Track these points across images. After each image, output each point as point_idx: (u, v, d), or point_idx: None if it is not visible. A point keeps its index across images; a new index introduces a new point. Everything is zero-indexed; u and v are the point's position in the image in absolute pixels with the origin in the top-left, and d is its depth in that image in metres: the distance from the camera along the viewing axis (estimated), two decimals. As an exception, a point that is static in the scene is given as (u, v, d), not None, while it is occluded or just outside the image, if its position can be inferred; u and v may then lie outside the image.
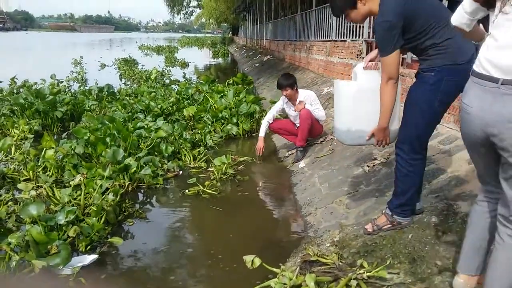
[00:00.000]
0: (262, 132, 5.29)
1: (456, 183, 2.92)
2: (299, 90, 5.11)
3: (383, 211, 2.76)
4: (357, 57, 6.96)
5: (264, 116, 5.54)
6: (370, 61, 2.77)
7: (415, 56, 5.57)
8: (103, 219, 3.30)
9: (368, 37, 6.91)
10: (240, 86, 8.10)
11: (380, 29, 2.35)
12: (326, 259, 2.59)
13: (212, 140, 5.90)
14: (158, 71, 13.13)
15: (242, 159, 5.07)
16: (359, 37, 7.26)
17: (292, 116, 5.16)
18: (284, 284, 2.33)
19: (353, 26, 7.62)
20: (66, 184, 4.01)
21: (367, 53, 6.93)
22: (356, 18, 2.55)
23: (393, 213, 2.64)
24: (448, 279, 2.13)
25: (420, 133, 2.48)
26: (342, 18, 8.23)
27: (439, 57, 2.32)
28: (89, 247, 3.05)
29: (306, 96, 5.02)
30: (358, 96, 2.73)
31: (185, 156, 5.22)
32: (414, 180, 2.57)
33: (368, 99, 2.59)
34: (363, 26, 7.05)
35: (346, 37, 7.85)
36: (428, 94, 2.37)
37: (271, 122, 5.28)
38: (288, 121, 5.30)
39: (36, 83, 8.93)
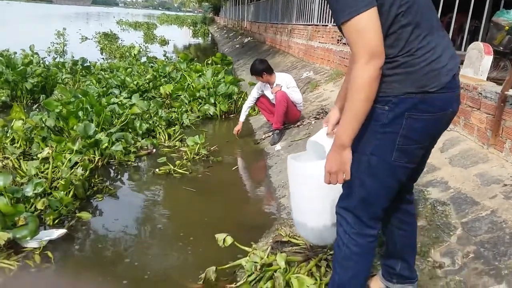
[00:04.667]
0: (242, 117, 5.26)
1: (428, 169, 2.94)
2: (276, 73, 5.06)
3: None
4: (338, 42, 6.93)
5: (245, 101, 5.48)
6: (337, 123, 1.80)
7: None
8: (71, 193, 3.21)
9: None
10: (219, 66, 7.98)
11: None
12: (297, 240, 2.58)
13: (189, 119, 5.81)
14: (140, 48, 12.88)
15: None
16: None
17: (271, 98, 5.11)
18: (255, 262, 2.32)
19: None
20: (34, 157, 3.89)
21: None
22: None
23: None
24: (417, 263, 2.15)
25: (369, 198, 1.61)
26: (324, 2, 8.17)
27: (398, 80, 1.45)
28: (57, 221, 2.98)
29: (282, 79, 4.98)
30: (316, 177, 1.77)
31: (159, 135, 5.13)
32: (360, 267, 1.71)
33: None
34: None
35: (328, 22, 7.80)
36: (380, 141, 1.52)
37: (249, 106, 5.25)
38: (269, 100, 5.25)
39: (15, 52, 8.61)
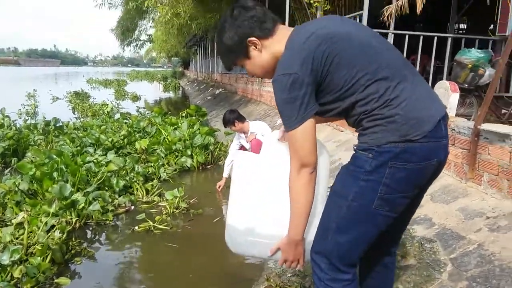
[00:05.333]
0: (225, 173, 5.18)
1: (411, 207, 2.96)
2: (250, 122, 5.11)
3: None
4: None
5: (222, 152, 5.47)
6: None
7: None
8: (48, 258, 3.07)
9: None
10: (194, 118, 8.02)
11: (279, 87, 1.50)
12: (288, 289, 2.52)
13: (166, 173, 5.75)
14: (114, 105, 12.89)
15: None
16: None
17: (247, 148, 5.13)
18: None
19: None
20: (8, 223, 3.74)
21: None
22: (254, 70, 1.71)
23: None
24: (411, 304, 2.12)
25: (346, 244, 1.59)
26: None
27: (379, 130, 1.48)
28: (34, 289, 2.82)
29: (257, 127, 5.03)
30: (259, 176, 1.79)
31: (137, 190, 5.04)
32: None
33: (279, 183, 1.68)
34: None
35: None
36: (362, 188, 1.52)
37: (231, 160, 5.19)
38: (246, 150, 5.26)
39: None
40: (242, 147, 5.19)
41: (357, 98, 1.50)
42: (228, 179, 5.21)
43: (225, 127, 5.09)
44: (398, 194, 1.52)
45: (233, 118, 4.96)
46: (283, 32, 1.64)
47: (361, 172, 1.51)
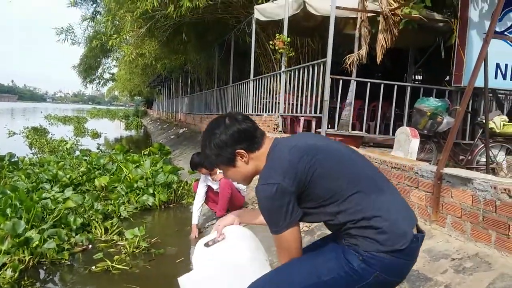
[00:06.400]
0: (194, 219, 4.94)
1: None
2: None
3: None
4: (274, 130, 7.20)
5: (187, 190, 5.35)
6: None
7: (331, 130, 5.94)
8: (-2, 300, 2.86)
9: (284, 112, 7.23)
10: (157, 156, 7.91)
11: (264, 196, 1.57)
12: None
13: (127, 211, 5.57)
14: (73, 141, 12.54)
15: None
16: (275, 112, 7.56)
17: (215, 188, 5.04)
18: None
19: (268, 101, 7.97)
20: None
21: (284, 126, 7.22)
22: (234, 177, 1.79)
23: None
24: None
25: None
26: (257, 95, 8.60)
27: (367, 240, 1.53)
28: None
29: None
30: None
31: (95, 229, 4.83)
32: None
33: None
34: (279, 102, 7.40)
35: (263, 112, 8.15)
36: (341, 279, 1.56)
37: (201, 204, 5.06)
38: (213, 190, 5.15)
39: None
40: (209, 189, 5.09)
41: (340, 208, 1.56)
42: (185, 212, 5.05)
43: (193, 169, 4.98)
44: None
45: (202, 162, 4.88)
46: (267, 145, 1.72)
47: (344, 263, 1.55)
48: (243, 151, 1.68)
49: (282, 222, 1.57)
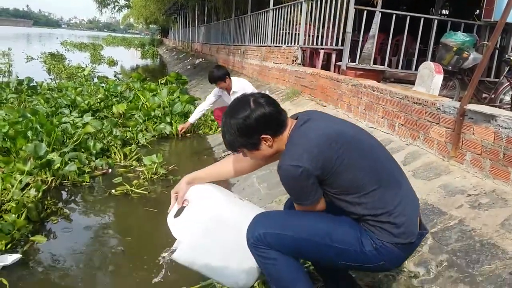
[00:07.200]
0: (192, 118, 5.26)
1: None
2: (232, 78, 5.05)
3: None
4: (293, 63, 7.05)
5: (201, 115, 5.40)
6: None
7: (352, 63, 5.79)
8: (24, 215, 2.98)
9: (304, 44, 7.04)
10: (174, 85, 7.87)
11: (287, 175, 1.60)
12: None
13: (145, 138, 5.64)
14: (90, 68, 12.53)
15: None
16: (294, 43, 7.37)
17: (228, 103, 5.03)
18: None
19: (288, 33, 7.74)
20: (-20, 180, 3.60)
21: (303, 59, 7.06)
22: (256, 157, 1.78)
23: None
24: (393, 273, 2.15)
25: (289, 249, 1.69)
26: (277, 25, 8.34)
27: (384, 232, 1.62)
28: (9, 245, 2.74)
29: (240, 85, 4.97)
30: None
31: (115, 154, 4.93)
32: (287, 267, 1.73)
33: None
34: (298, 34, 7.18)
35: (282, 43, 7.95)
36: (348, 251, 1.65)
37: (204, 109, 5.20)
38: None
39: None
40: (220, 109, 5.12)
41: (361, 201, 1.61)
42: (202, 140, 5.20)
43: (213, 82, 4.98)
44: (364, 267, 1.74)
45: (223, 74, 4.89)
46: (290, 125, 1.72)
47: (359, 246, 1.64)
48: (268, 136, 1.67)
49: (306, 200, 1.65)
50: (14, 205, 2.95)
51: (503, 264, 1.93)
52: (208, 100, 5.17)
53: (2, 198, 3.18)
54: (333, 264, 1.74)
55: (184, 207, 1.97)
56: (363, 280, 2.14)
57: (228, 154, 5.01)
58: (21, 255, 2.61)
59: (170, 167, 4.65)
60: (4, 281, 2.38)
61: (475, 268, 1.98)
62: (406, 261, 1.98)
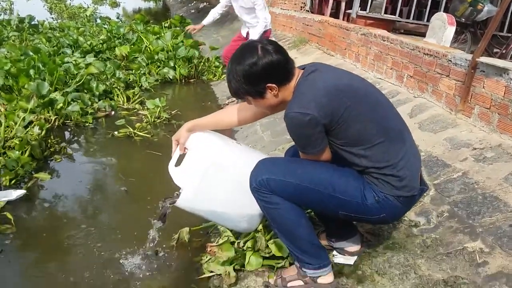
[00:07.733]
0: (205, 20, 5.21)
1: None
2: None
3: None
4: (301, 9, 6.85)
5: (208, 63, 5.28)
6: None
7: (362, 12, 5.62)
8: (27, 152, 2.99)
9: (313, -10, 6.81)
10: (177, 29, 7.66)
11: (294, 123, 1.58)
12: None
13: (148, 82, 5.58)
14: (93, 9, 12.19)
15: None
16: (303, -11, 7.12)
17: (236, 8, 4.79)
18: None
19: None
20: (-18, 116, 3.59)
21: (311, 6, 6.84)
22: (260, 105, 1.74)
23: (301, 264, 1.82)
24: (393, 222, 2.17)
25: (291, 195, 1.68)
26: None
27: (387, 185, 1.63)
28: (13, 181, 2.77)
29: None
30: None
31: (118, 97, 4.89)
32: (290, 212, 1.72)
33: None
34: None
35: (290, -12, 7.68)
36: (349, 201, 1.66)
37: (220, 12, 5.13)
38: None
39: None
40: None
41: (366, 153, 1.61)
42: (206, 87, 5.07)
43: None
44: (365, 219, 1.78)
45: None
46: (297, 75, 1.68)
47: (361, 198, 1.64)
48: (274, 85, 1.63)
49: (311, 149, 1.64)
50: (18, 142, 2.95)
51: (504, 216, 1.94)
52: (222, 2, 5.02)
53: (6, 135, 3.18)
54: (334, 214, 1.75)
55: (185, 154, 1.96)
56: (363, 227, 2.17)
57: (232, 101, 4.98)
58: (25, 191, 2.64)
59: (173, 112, 4.62)
60: (9, 215, 2.41)
61: (475, 219, 2.00)
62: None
